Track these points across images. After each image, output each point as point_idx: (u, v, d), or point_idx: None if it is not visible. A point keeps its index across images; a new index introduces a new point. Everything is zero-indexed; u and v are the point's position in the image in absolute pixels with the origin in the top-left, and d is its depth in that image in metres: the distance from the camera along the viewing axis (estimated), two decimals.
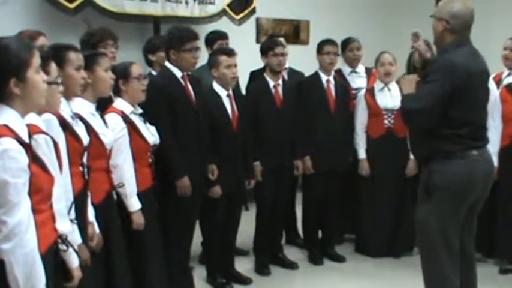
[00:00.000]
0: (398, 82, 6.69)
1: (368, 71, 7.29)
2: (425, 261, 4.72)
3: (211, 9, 8.45)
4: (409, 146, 6.59)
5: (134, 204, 4.61)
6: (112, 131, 4.39)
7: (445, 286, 4.63)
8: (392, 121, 6.70)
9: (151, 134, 4.84)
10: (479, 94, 4.61)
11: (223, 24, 8.27)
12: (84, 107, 4.13)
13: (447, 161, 4.50)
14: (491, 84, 6.52)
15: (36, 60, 2.93)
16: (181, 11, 8.13)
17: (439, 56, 4.70)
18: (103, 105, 4.51)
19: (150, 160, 4.86)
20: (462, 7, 4.54)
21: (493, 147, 6.21)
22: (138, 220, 4.64)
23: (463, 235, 4.73)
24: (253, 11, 9.01)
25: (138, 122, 4.76)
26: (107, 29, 5.63)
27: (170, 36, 5.42)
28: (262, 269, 6.39)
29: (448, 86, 4.38)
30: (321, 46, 6.70)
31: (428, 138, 4.57)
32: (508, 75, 6.89)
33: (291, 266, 6.56)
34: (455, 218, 4.59)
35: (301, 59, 7.62)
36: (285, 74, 7.01)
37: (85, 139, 3.87)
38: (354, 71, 7.22)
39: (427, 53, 4.95)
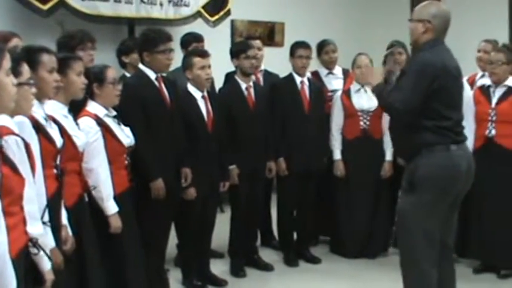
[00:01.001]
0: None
1: (345, 72, 7.30)
2: (404, 254, 4.77)
3: (186, 11, 8.43)
4: (384, 148, 6.66)
5: (111, 207, 4.58)
6: (86, 135, 4.36)
7: (422, 279, 4.67)
8: (368, 122, 6.73)
9: (126, 136, 4.81)
10: (457, 89, 4.76)
11: (198, 26, 8.25)
12: (56, 109, 4.10)
13: (432, 154, 4.58)
14: (466, 86, 6.59)
15: (6, 62, 2.89)
16: (156, 13, 8.11)
17: (416, 55, 4.82)
18: (76, 107, 4.48)
19: (126, 162, 4.83)
20: (441, 9, 4.75)
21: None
22: (115, 223, 4.61)
23: (443, 230, 4.76)
24: (228, 13, 8.99)
25: (112, 124, 4.73)
26: (85, 31, 5.61)
27: (143, 38, 5.43)
28: (237, 271, 6.37)
29: (427, 80, 4.51)
30: (293, 49, 6.72)
31: (412, 132, 4.64)
32: (482, 76, 6.94)
33: (266, 267, 6.55)
34: (438, 212, 4.64)
35: (276, 61, 7.62)
36: (260, 76, 7.03)
37: (58, 141, 3.84)
38: (330, 73, 7.23)
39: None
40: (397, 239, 4.87)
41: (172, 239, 5.92)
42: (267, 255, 6.82)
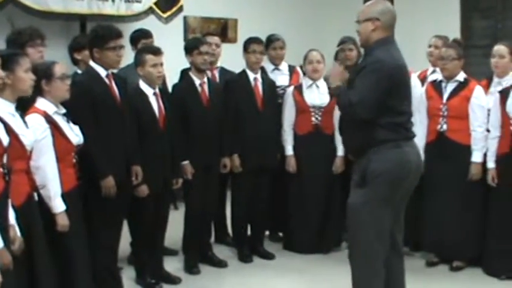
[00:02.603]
0: (326, 79, 6.75)
1: (291, 68, 7.31)
2: (354, 247, 4.80)
3: (138, 7, 8.39)
4: (336, 143, 6.69)
5: (58, 205, 4.54)
6: (34, 132, 4.31)
7: (371, 272, 4.70)
8: (319, 118, 6.75)
9: (75, 134, 4.77)
10: (408, 86, 4.85)
11: (150, 23, 8.22)
12: (3, 107, 4.05)
13: (384, 150, 4.62)
14: (417, 81, 6.65)
15: None
16: (108, 9, 8.06)
17: (369, 54, 4.81)
18: (25, 105, 4.43)
19: (74, 160, 4.79)
20: (387, 6, 4.81)
21: (419, 142, 6.32)
22: (63, 222, 4.57)
23: (393, 227, 4.81)
24: (180, 9, 8.97)
25: (61, 122, 4.69)
26: (34, 28, 5.55)
27: (93, 34, 5.38)
28: (191, 268, 6.35)
29: (384, 78, 4.56)
30: (246, 45, 6.71)
31: (366, 129, 4.67)
32: (433, 72, 7.00)
33: (220, 264, 6.55)
34: (388, 207, 4.68)
35: (229, 57, 7.59)
36: (216, 73, 7.02)
37: (4, 140, 3.80)
38: (276, 69, 7.22)
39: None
40: (347, 233, 4.89)
41: (127, 238, 5.90)
42: (221, 251, 6.83)
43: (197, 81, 6.28)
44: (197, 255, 6.48)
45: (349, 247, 4.88)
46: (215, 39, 7.18)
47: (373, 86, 4.56)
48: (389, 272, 4.81)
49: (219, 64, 7.18)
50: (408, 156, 4.69)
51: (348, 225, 4.85)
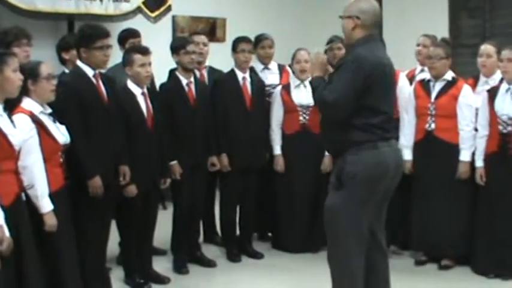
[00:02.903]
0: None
1: (280, 67, 7.31)
2: (332, 249, 4.77)
3: (126, 7, 8.39)
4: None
5: (46, 205, 4.53)
6: (20, 132, 4.30)
7: (350, 274, 4.67)
8: (307, 117, 6.76)
9: (61, 134, 4.76)
10: (390, 86, 4.80)
11: (138, 22, 8.22)
12: None
13: (360, 152, 4.57)
14: (405, 80, 6.67)
15: None
16: (96, 8, 8.07)
17: (350, 51, 4.80)
18: (11, 105, 4.41)
19: (61, 160, 4.78)
20: (369, 4, 4.75)
21: (408, 141, 6.38)
22: (50, 221, 4.55)
23: (374, 226, 4.80)
24: (168, 9, 8.96)
25: (48, 121, 4.67)
26: (20, 27, 5.55)
27: (81, 34, 5.38)
28: (180, 267, 6.35)
29: (361, 77, 4.49)
30: (235, 44, 6.72)
31: (341, 130, 4.63)
32: (421, 71, 7.02)
33: (209, 264, 6.55)
34: (366, 208, 4.64)
35: (218, 56, 7.59)
36: (204, 73, 7.01)
37: None
38: (266, 68, 7.21)
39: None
40: (326, 235, 4.86)
41: (115, 237, 5.89)
42: (210, 251, 6.83)
43: (184, 81, 6.28)
44: (186, 255, 6.47)
45: (327, 248, 4.86)
46: (202, 38, 7.17)
47: (349, 84, 4.50)
48: (372, 271, 4.80)
49: (207, 63, 7.16)
50: (385, 156, 4.63)
51: (325, 227, 4.82)
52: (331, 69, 5.09)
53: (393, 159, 4.70)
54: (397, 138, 6.36)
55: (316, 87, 4.76)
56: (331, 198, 4.75)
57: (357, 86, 4.49)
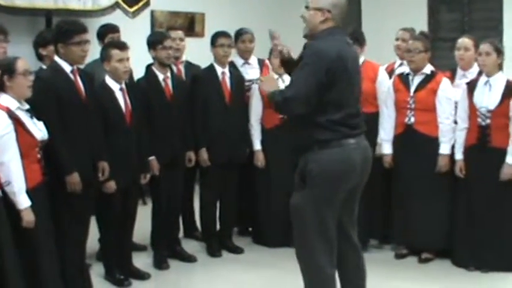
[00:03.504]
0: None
1: (260, 62, 7.28)
2: (299, 248, 4.75)
3: (104, 2, 8.33)
4: None
5: (23, 201, 4.51)
6: None
7: (318, 274, 4.65)
8: None
9: (38, 130, 4.74)
10: (354, 80, 4.63)
11: (116, 17, 8.18)
12: None
13: (323, 150, 4.49)
14: (384, 74, 6.68)
15: None
16: (74, 4, 8.01)
17: (310, 44, 4.65)
18: None
19: (39, 156, 4.76)
20: None
21: (387, 135, 6.38)
22: (28, 218, 4.53)
23: (344, 222, 4.75)
24: (147, 4, 8.92)
25: (25, 117, 4.65)
26: None
27: (58, 29, 5.33)
28: (160, 263, 6.34)
29: (322, 70, 4.36)
30: (214, 38, 6.70)
31: (305, 128, 4.56)
32: (400, 65, 7.04)
33: (190, 259, 6.54)
34: (332, 206, 4.57)
35: (197, 51, 7.58)
36: (181, 68, 6.99)
37: None
38: (246, 63, 7.19)
39: (289, 52, 4.95)
40: (293, 234, 4.83)
41: (95, 234, 5.86)
42: (190, 246, 6.83)
43: (160, 76, 6.26)
44: (166, 250, 6.46)
45: (295, 247, 4.82)
46: (179, 33, 7.14)
47: (309, 78, 4.36)
48: (344, 266, 4.78)
49: (184, 58, 7.15)
50: (350, 153, 4.53)
51: (292, 226, 4.80)
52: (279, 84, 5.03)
53: (360, 154, 4.60)
54: (376, 132, 6.41)
55: (272, 96, 4.62)
56: (295, 197, 4.71)
57: (319, 79, 4.35)
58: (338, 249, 4.69)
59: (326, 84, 4.38)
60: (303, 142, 4.62)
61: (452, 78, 6.57)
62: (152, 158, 6.07)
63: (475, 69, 6.38)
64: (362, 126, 4.69)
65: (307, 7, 4.63)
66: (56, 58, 5.28)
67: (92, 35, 6.15)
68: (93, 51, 5.84)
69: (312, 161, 4.51)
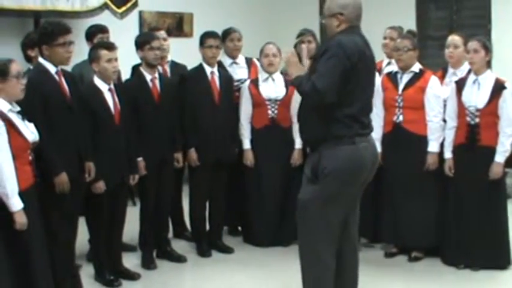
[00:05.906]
0: (282, 72, 6.76)
1: (248, 61, 7.28)
2: (304, 244, 4.79)
3: (92, 3, 8.33)
4: (293, 136, 6.70)
5: (16, 204, 4.48)
6: None
7: (321, 270, 4.70)
8: (276, 111, 6.76)
9: (30, 132, 4.71)
10: (371, 78, 4.80)
11: (105, 18, 8.17)
12: None
13: (338, 146, 4.58)
14: None
15: None
16: (62, 5, 8.00)
17: (330, 39, 4.73)
18: None
19: (30, 158, 4.74)
20: None
21: (376, 133, 6.36)
22: (21, 220, 4.51)
23: (349, 218, 4.82)
24: (135, 4, 8.92)
25: (16, 119, 4.63)
26: None
27: (42, 31, 5.31)
28: (149, 263, 6.33)
29: (346, 60, 4.48)
30: (203, 39, 6.70)
31: (320, 122, 4.63)
32: (388, 63, 7.05)
33: (179, 259, 6.53)
34: (340, 203, 4.66)
35: (185, 51, 7.59)
36: (167, 68, 6.98)
37: None
38: (234, 62, 7.18)
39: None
40: (297, 228, 4.85)
41: (85, 235, 5.85)
42: (179, 246, 6.81)
43: (148, 77, 6.25)
44: (154, 250, 6.47)
45: (299, 243, 4.85)
46: (162, 33, 7.11)
47: (332, 69, 4.47)
48: (341, 264, 4.82)
49: (171, 58, 7.14)
50: (362, 152, 4.65)
51: (298, 221, 4.82)
52: (306, 63, 5.07)
53: (370, 154, 4.73)
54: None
55: (300, 83, 4.69)
56: (304, 192, 4.76)
57: (343, 69, 4.48)
58: (338, 249, 4.76)
59: (347, 75, 4.50)
60: (317, 135, 4.68)
61: (443, 76, 6.59)
62: (140, 159, 6.06)
63: (465, 67, 6.37)
64: (371, 126, 4.83)
65: (323, 18, 4.80)
66: (40, 59, 5.27)
67: (80, 36, 6.15)
68: (82, 52, 5.82)
69: (326, 157, 4.59)
